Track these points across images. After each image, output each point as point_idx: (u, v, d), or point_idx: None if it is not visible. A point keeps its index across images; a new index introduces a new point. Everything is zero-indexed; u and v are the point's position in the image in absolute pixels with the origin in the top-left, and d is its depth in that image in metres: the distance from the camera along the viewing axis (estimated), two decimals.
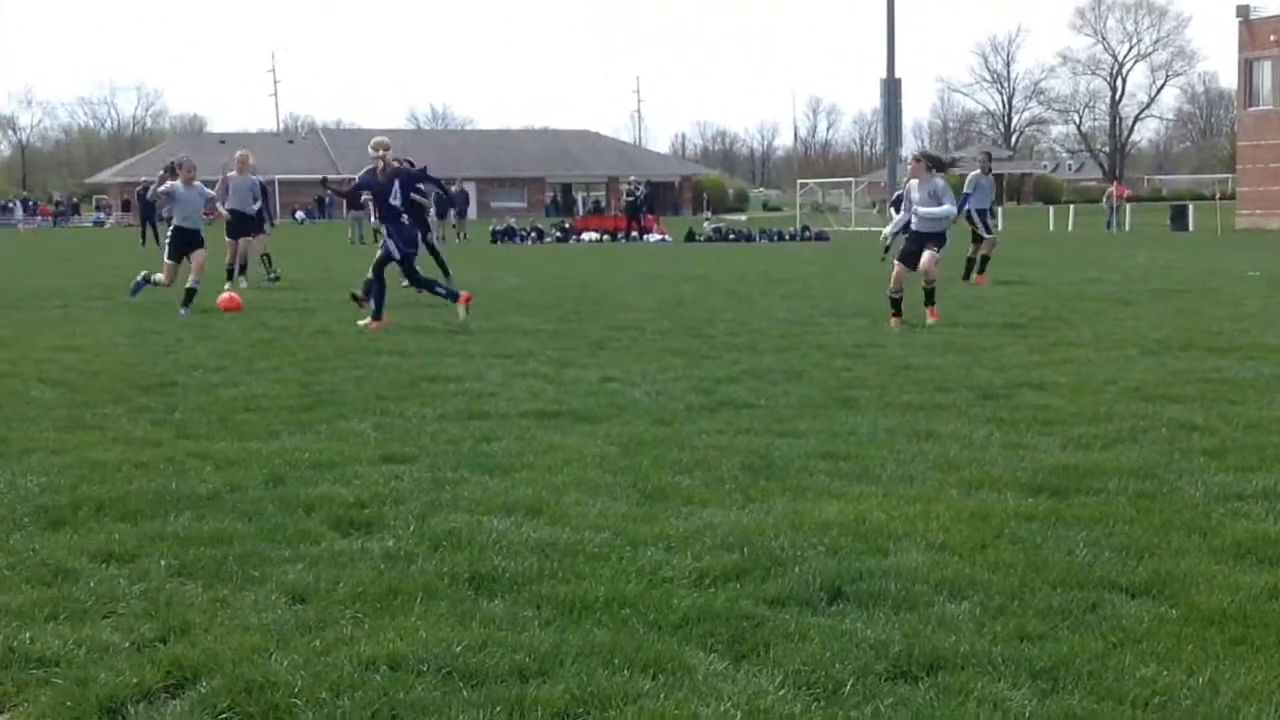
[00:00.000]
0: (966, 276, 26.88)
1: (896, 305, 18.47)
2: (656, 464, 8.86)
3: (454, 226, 57.96)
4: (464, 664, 5.13)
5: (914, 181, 18.80)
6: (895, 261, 19.07)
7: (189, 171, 20.82)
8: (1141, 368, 13.53)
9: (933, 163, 18.98)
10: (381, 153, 18.68)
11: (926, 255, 18.45)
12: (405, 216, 18.43)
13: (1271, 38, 73.08)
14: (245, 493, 8.00)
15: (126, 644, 5.39)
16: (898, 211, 21.51)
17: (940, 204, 18.47)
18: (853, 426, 10.23)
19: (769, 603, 5.94)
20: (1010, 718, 4.64)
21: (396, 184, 18.33)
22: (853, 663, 5.16)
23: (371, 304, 18.46)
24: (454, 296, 18.56)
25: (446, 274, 23.91)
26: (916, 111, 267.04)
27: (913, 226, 18.86)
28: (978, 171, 27.86)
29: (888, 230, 21.65)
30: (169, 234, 21.08)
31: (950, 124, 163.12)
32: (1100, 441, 9.56)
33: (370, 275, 18.51)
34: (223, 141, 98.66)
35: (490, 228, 62.50)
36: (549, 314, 20.11)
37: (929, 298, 18.60)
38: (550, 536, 7.01)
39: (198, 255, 20.37)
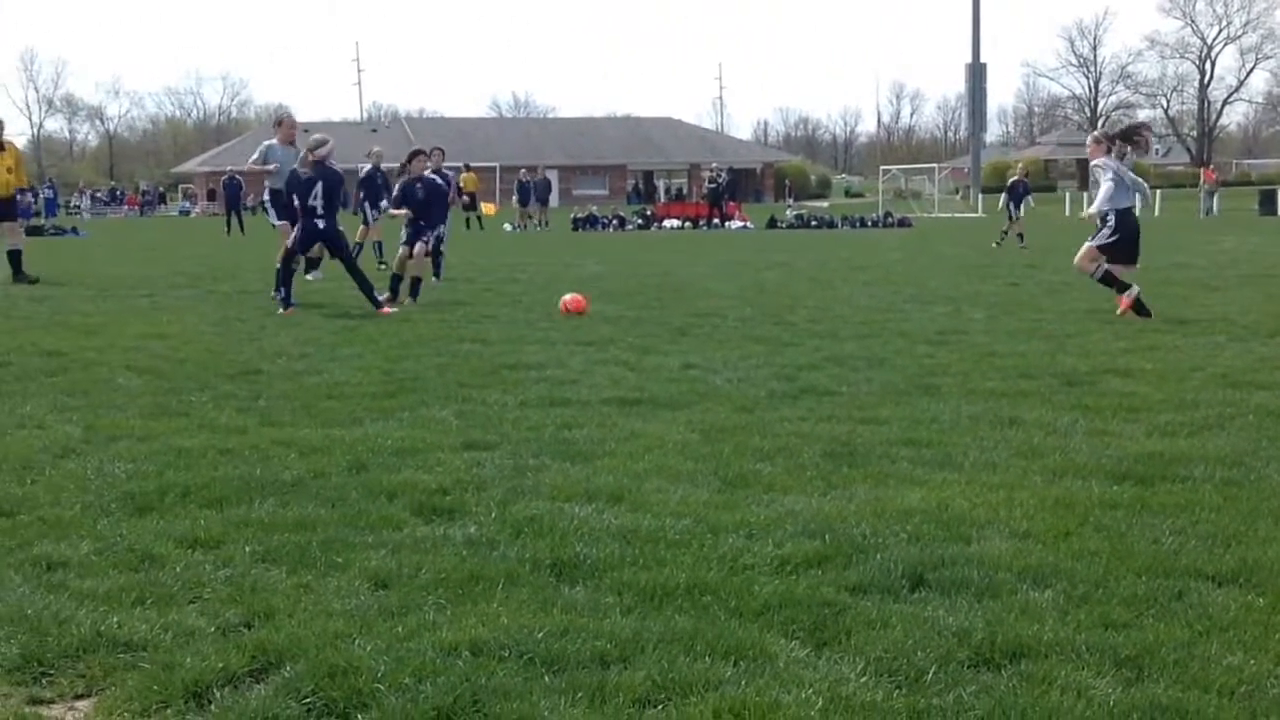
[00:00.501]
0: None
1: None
2: (738, 451, 8.84)
3: (530, 215, 58.05)
4: (545, 650, 5.14)
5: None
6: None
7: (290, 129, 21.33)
8: (1229, 354, 13.37)
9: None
10: (305, 151, 18.74)
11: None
12: (321, 221, 18.54)
13: None
14: (328, 479, 8.06)
15: (212, 629, 5.45)
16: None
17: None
18: (935, 414, 10.17)
19: (850, 590, 5.92)
20: (1094, 706, 4.60)
21: (319, 186, 18.38)
22: (935, 650, 5.13)
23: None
24: (376, 305, 18.39)
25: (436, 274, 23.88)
26: (1001, 97, 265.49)
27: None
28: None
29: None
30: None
31: (1035, 109, 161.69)
32: (1186, 429, 9.46)
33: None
34: (306, 130, 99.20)
35: (572, 215, 62.62)
36: (630, 301, 20.12)
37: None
38: (631, 523, 7.02)
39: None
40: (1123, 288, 17.13)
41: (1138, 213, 17.73)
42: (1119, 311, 16.97)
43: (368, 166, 27.27)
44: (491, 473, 8.24)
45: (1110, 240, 17.56)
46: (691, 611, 5.63)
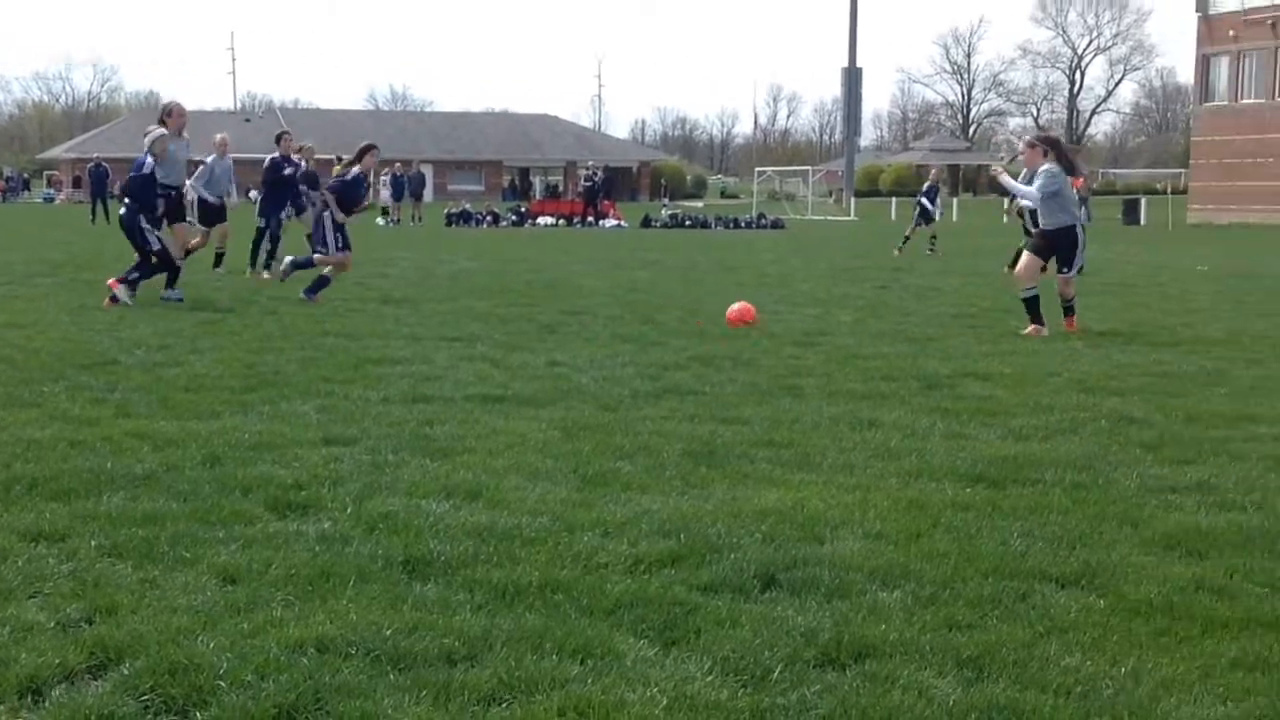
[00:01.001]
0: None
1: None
2: (598, 450, 8.85)
3: (389, 208, 57.62)
4: (393, 647, 5.11)
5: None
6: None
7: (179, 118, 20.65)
8: (1086, 360, 13.60)
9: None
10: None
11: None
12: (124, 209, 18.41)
13: (1230, 33, 73.60)
14: (182, 473, 7.95)
15: (51, 624, 5.35)
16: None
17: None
18: (796, 415, 10.24)
19: (702, 589, 5.94)
20: (934, 706, 4.65)
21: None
22: (782, 650, 5.17)
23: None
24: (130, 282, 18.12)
25: (253, 260, 23.76)
26: (876, 102, 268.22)
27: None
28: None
29: None
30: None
31: (910, 114, 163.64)
32: (1040, 433, 9.61)
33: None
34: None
35: (446, 211, 62.31)
36: (500, 298, 20.06)
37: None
38: (488, 520, 6.99)
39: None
40: (1037, 317, 16.06)
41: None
42: (1026, 331, 15.86)
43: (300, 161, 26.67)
44: (349, 468, 8.18)
45: (1081, 261, 16.66)
46: (543, 609, 5.63)
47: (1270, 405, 10.81)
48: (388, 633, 5.24)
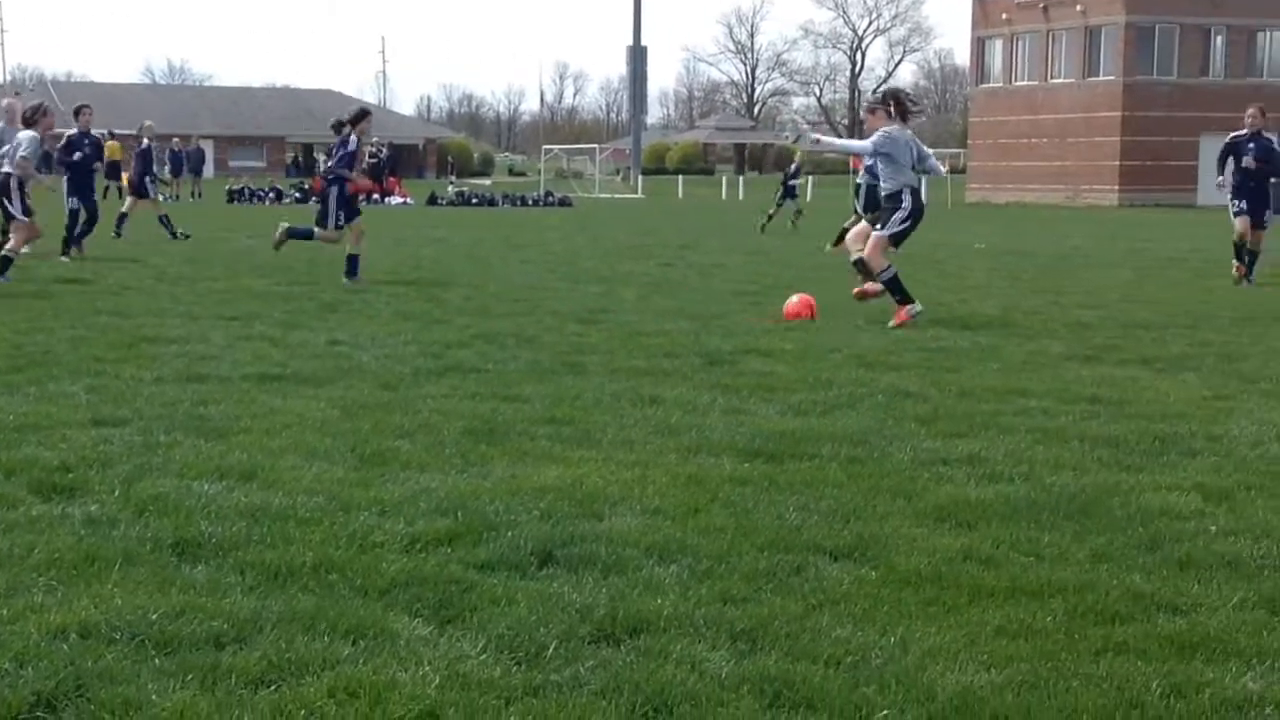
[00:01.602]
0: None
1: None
2: (377, 428, 8.76)
3: (167, 184, 56.42)
4: (159, 631, 4.98)
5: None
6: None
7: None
8: (866, 337, 13.82)
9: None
10: None
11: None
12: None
13: (1004, 16, 75.41)
14: None
15: None
16: None
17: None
18: (578, 391, 10.25)
19: (479, 567, 5.91)
20: (707, 679, 4.68)
21: None
22: (557, 626, 5.16)
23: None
24: None
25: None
26: (662, 80, 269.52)
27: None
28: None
29: None
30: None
31: (695, 93, 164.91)
32: (818, 408, 9.74)
33: None
34: None
35: (227, 187, 61.21)
36: (281, 276, 19.77)
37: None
38: (261, 501, 6.88)
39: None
40: (872, 292, 15.56)
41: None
42: (893, 324, 14.70)
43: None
44: (119, 449, 7.97)
45: (903, 227, 15.52)
46: (316, 590, 5.55)
47: (1040, 380, 11.09)
48: (154, 616, 5.12)
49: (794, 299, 15.92)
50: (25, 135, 18.53)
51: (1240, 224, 19.86)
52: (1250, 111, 19.59)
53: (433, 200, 59.75)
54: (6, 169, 18.28)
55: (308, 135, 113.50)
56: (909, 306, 14.96)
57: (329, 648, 4.88)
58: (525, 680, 4.66)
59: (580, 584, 5.68)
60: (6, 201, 18.40)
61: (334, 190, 18.89)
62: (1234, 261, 20.57)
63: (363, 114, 19.25)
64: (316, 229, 19.27)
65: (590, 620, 5.23)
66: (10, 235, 18.48)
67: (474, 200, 61.49)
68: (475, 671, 4.71)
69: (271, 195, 59.41)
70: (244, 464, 7.65)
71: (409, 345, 12.60)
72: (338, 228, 18.96)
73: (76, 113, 23.95)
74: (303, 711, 4.36)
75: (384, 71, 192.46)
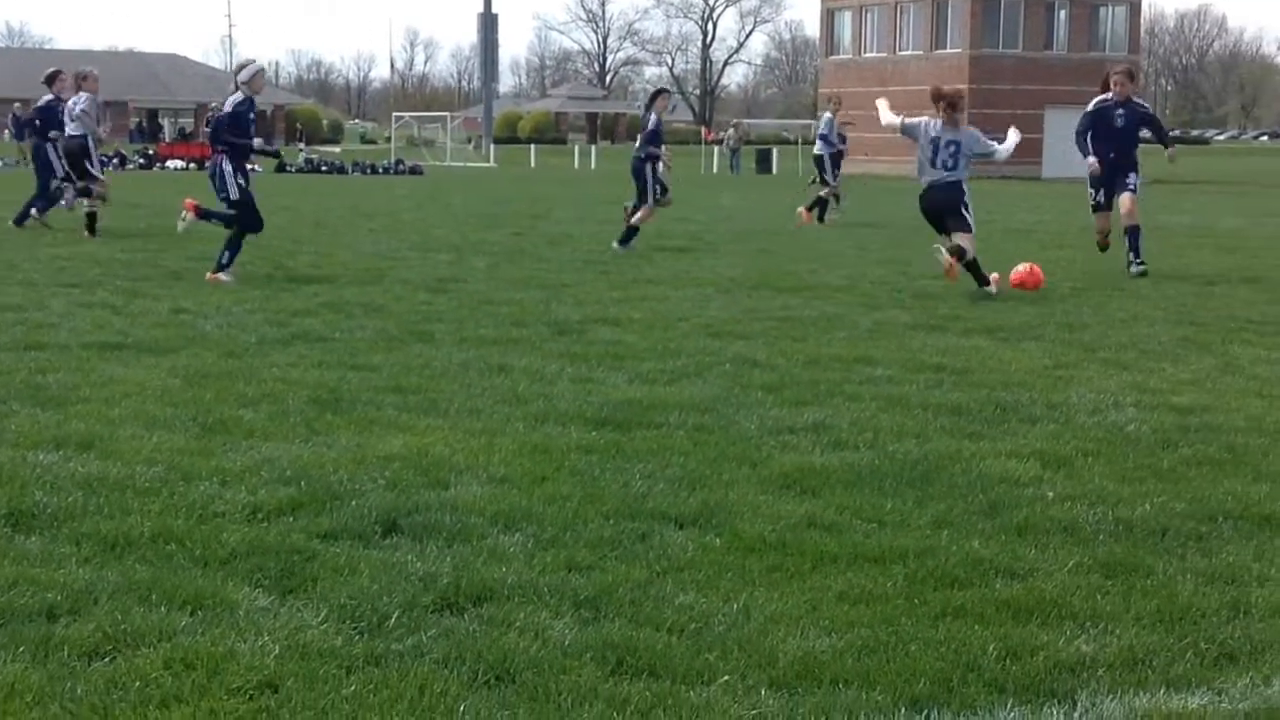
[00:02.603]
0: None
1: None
2: (220, 397, 8.64)
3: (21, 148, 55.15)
4: None
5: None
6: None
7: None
8: (715, 306, 13.88)
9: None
10: None
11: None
12: None
13: None
14: None
15: None
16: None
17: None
18: (426, 360, 10.19)
19: (322, 537, 5.85)
20: (549, 646, 4.68)
21: None
22: (400, 595, 5.13)
23: None
24: None
25: None
26: (514, 48, 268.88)
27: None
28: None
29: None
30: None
31: (548, 62, 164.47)
32: (666, 376, 9.76)
33: None
34: None
35: None
36: (125, 243, 19.39)
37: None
38: (100, 471, 6.76)
39: None
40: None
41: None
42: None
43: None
44: None
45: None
46: (154, 561, 5.47)
47: (885, 348, 11.21)
48: None
49: (1021, 267, 15.81)
50: (82, 96, 20.27)
51: (1099, 222, 18.49)
52: (1116, 78, 18.46)
53: (281, 168, 58.93)
54: (74, 130, 20.26)
55: (153, 101, 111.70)
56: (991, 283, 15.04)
57: (166, 619, 4.81)
58: (367, 649, 4.63)
59: (424, 553, 5.65)
60: (86, 161, 20.51)
61: (648, 168, 20.38)
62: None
63: (660, 93, 21.50)
64: (640, 207, 20.46)
65: (434, 589, 5.20)
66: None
67: (323, 168, 60.76)
68: (316, 641, 4.67)
69: (115, 160, 58.23)
70: (82, 433, 7.52)
71: (254, 314, 12.44)
72: (657, 202, 20.65)
73: (50, 79, 22.33)
74: (138, 683, 4.29)
75: (230, 36, 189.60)
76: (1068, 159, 65.85)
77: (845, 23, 77.99)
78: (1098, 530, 6.22)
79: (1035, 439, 8.01)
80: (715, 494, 6.64)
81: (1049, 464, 7.39)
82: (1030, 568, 5.66)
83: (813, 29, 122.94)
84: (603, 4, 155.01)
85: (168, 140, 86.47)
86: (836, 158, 28.12)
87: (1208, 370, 10.47)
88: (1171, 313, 13.81)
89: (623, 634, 4.79)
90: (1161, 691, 4.49)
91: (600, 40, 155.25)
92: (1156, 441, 7.98)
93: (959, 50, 71.13)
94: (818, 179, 28.50)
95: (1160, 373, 10.33)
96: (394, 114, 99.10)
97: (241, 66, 16.75)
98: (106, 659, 4.49)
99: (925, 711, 4.31)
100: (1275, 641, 4.91)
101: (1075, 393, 9.42)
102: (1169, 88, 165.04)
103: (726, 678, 4.49)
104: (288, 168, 58.86)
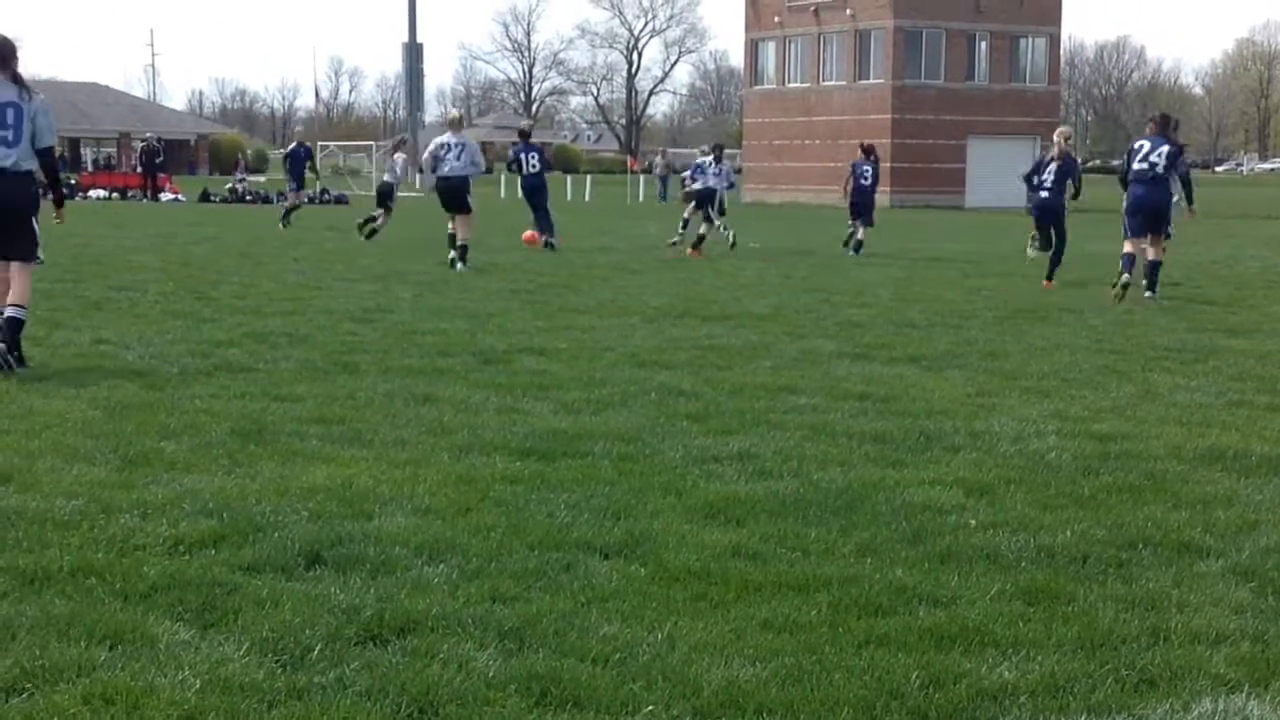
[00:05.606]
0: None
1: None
2: (142, 429, 8.57)
3: None
4: None
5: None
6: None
7: None
8: (640, 335, 13.90)
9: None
10: None
11: None
12: None
13: (776, 19, 76.33)
14: None
15: None
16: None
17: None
18: (351, 390, 10.14)
19: (244, 569, 5.81)
20: (474, 678, 4.67)
21: None
22: (323, 628, 5.10)
23: None
24: None
25: None
26: (440, 77, 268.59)
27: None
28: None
29: None
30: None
31: (474, 91, 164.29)
32: (592, 406, 9.77)
33: None
34: None
35: None
36: (43, 274, 19.11)
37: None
38: (18, 504, 6.69)
39: None
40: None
41: None
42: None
43: None
44: None
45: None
46: (73, 595, 5.41)
47: (809, 377, 11.26)
48: None
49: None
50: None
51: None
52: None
53: (205, 197, 58.61)
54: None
55: (74, 130, 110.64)
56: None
57: (85, 653, 4.76)
58: (289, 683, 4.60)
59: (348, 584, 5.63)
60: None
61: None
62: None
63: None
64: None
65: (357, 621, 5.18)
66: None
67: (249, 197, 60.44)
68: (237, 675, 4.63)
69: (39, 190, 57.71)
70: (0, 466, 7.43)
71: (176, 344, 12.35)
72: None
73: None
74: (56, 719, 4.24)
75: (153, 65, 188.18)
76: (990, 188, 66.23)
77: (769, 53, 78.36)
78: (1019, 558, 6.27)
79: (958, 467, 8.07)
80: (640, 524, 6.64)
81: (971, 492, 7.45)
82: (953, 595, 5.70)
83: (737, 59, 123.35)
84: (528, 34, 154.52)
85: (89, 170, 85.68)
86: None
87: (1128, 398, 10.59)
88: (1092, 341, 13.97)
89: (547, 665, 4.79)
90: (1083, 718, 4.53)
91: (526, 70, 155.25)
92: (1077, 469, 8.06)
93: (881, 81, 71.61)
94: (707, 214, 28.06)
95: (1081, 400, 10.44)
96: (319, 143, 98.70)
97: None
98: (24, 695, 4.45)
99: None
100: (1194, 667, 4.96)
101: (997, 421, 9.50)
102: (1089, 118, 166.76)
103: (651, 708, 4.49)
104: (212, 197, 58.58)
